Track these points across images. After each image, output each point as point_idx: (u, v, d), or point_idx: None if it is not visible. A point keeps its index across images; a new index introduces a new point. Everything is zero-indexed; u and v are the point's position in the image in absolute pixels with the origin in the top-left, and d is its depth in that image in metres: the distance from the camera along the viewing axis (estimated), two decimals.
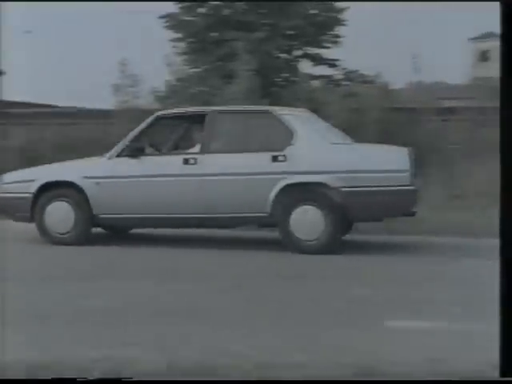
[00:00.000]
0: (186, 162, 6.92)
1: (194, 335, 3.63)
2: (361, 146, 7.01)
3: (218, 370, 2.92)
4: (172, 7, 16.84)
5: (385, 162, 6.57)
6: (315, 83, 15.17)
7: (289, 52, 16.75)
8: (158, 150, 7.52)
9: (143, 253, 6.83)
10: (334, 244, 6.58)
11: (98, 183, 7.16)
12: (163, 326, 3.85)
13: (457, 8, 69.90)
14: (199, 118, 7.27)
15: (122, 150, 7.18)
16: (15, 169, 8.16)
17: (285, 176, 6.62)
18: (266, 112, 7.08)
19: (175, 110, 7.87)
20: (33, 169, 7.80)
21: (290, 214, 6.60)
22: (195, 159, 6.91)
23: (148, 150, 7.34)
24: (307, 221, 6.58)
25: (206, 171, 6.84)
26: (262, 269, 5.90)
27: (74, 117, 15.42)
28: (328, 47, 16.39)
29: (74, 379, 2.73)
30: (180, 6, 16.83)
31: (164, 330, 3.74)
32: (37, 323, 3.92)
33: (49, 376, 2.81)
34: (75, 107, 16.46)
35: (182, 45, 16.84)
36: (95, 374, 2.86)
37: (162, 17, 16.85)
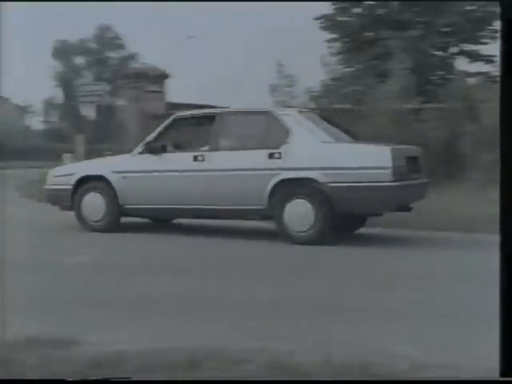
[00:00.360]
0: (195, 158, 7.54)
1: (347, 331, 3.62)
2: (349, 145, 7.31)
3: (372, 368, 2.88)
4: (327, 8, 16.90)
5: (367, 160, 6.83)
6: (471, 80, 14.66)
7: (444, 49, 16.30)
8: (176, 148, 8.07)
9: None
10: (324, 235, 6.92)
11: (124, 177, 7.94)
12: (316, 320, 3.87)
13: None
14: (210, 119, 7.81)
15: (144, 148, 7.90)
16: None
17: (279, 172, 7.07)
18: (267, 112, 7.52)
19: (191, 112, 8.47)
20: (75, 164, 8.82)
21: (284, 207, 7.04)
22: (203, 156, 7.51)
23: (168, 147, 7.93)
24: (299, 213, 6.98)
25: (211, 167, 7.44)
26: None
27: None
28: (486, 43, 15.78)
29: (75, 380, 2.75)
30: (335, 6, 16.86)
31: (317, 325, 3.75)
32: (198, 314, 4.11)
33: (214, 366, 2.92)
34: (232, 108, 16.91)
35: (337, 45, 16.87)
36: None
37: (317, 18, 16.96)
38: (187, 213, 7.81)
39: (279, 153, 7.12)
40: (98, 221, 8.07)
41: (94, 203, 8.10)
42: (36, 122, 53.70)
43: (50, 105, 51.32)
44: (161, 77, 18.28)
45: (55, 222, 8.86)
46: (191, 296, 4.59)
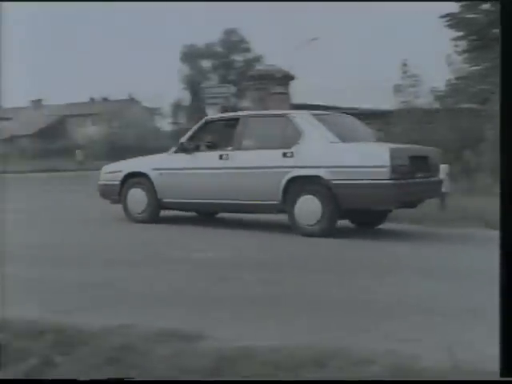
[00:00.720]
0: (220, 157, 8.27)
1: (478, 339, 3.46)
2: (354, 145, 7.65)
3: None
4: (453, 6, 16.39)
5: (368, 159, 7.29)
6: None
7: None
8: (207, 148, 8.77)
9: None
10: (331, 229, 7.45)
11: (161, 174, 8.78)
12: (442, 325, 3.75)
13: None
14: (235, 122, 8.48)
15: (178, 148, 8.69)
16: None
17: (291, 170, 7.66)
18: (282, 115, 8.16)
19: (219, 115, 9.23)
20: (121, 162, 9.62)
21: (295, 202, 7.63)
22: (227, 155, 8.23)
23: (200, 147, 8.70)
24: (308, 208, 7.53)
25: (234, 165, 8.13)
26: None
27: (356, 118, 15.69)
28: None
29: (75, 380, 2.74)
30: (461, 4, 16.32)
31: (445, 329, 3.64)
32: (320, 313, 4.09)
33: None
34: (357, 108, 16.74)
35: (463, 43, 16.33)
36: None
37: (442, 16, 16.48)
38: (214, 207, 8.62)
39: (291, 152, 7.71)
40: (141, 212, 8.96)
41: (137, 197, 8.99)
42: (165, 124, 55.59)
43: (177, 107, 52.96)
44: (286, 78, 18.39)
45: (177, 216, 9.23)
46: (315, 294, 4.56)
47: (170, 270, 5.53)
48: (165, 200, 8.78)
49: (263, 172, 7.92)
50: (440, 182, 8.39)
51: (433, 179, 8.06)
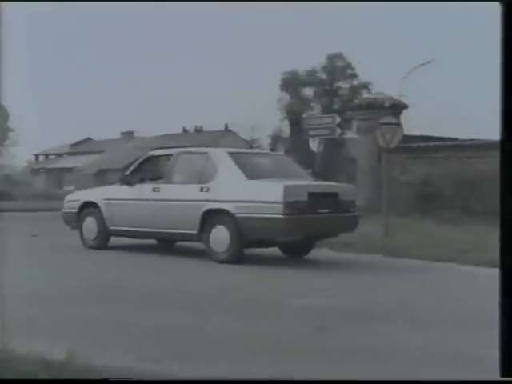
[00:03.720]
0: (153, 190, 10.22)
1: None
2: (256, 182, 9.26)
3: None
4: None
5: (266, 195, 8.90)
6: None
7: None
8: (151, 180, 10.56)
9: None
10: (239, 256, 9.16)
11: (108, 204, 10.68)
12: None
13: None
14: (169, 157, 10.44)
15: (123, 180, 10.72)
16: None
17: (206, 203, 9.41)
18: (204, 153, 10.09)
19: (160, 151, 11.29)
20: (81, 191, 12.04)
21: (210, 232, 9.35)
22: (159, 188, 10.16)
23: (140, 180, 10.55)
24: (220, 237, 9.20)
25: (163, 197, 10.00)
26: None
27: (477, 149, 15.37)
28: None
29: (75, 380, 2.92)
30: None
31: None
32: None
33: None
34: (478, 140, 16.39)
35: None
36: None
37: None
38: (150, 235, 10.41)
39: (208, 187, 9.49)
40: (94, 239, 10.85)
41: (90, 225, 10.87)
42: None
43: (277, 138, 53.52)
44: (397, 107, 18.27)
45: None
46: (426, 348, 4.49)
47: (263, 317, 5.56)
48: (111, 228, 10.67)
49: (185, 204, 9.65)
50: (354, 217, 9.62)
51: (342, 215, 9.32)
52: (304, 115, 37.51)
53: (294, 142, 47.24)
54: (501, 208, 2.83)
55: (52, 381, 2.95)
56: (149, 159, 10.91)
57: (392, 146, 12.32)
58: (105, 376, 3.35)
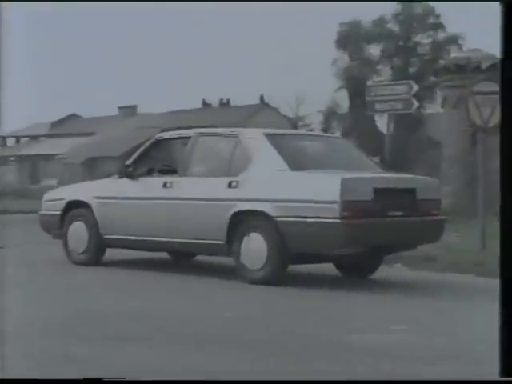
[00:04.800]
0: (164, 185, 10.22)
1: None
2: (303, 174, 9.24)
3: None
4: None
5: (317, 192, 8.81)
6: None
7: None
8: (161, 172, 10.63)
9: None
10: (280, 275, 9.14)
11: (103, 203, 10.71)
12: None
13: None
14: (186, 142, 10.43)
15: (122, 172, 10.74)
16: None
17: (236, 203, 9.35)
18: (234, 135, 9.98)
19: (173, 134, 11.36)
20: (65, 187, 12.51)
21: (241, 241, 9.28)
22: (172, 183, 10.09)
23: (154, 171, 10.68)
24: (254, 249, 9.16)
25: (176, 195, 9.98)
26: None
27: None
28: None
29: (75, 380, 3.37)
30: None
31: None
32: None
33: None
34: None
35: None
36: None
37: None
38: (158, 245, 10.37)
39: (238, 181, 9.43)
40: (83, 252, 10.83)
41: (78, 232, 10.87)
42: None
43: (330, 115, 53.43)
44: (498, 69, 18.06)
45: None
46: None
47: None
48: (107, 236, 10.68)
49: (207, 205, 9.66)
50: (437, 222, 9.55)
51: (422, 219, 9.25)
52: (368, 83, 37.42)
53: (355, 120, 47.18)
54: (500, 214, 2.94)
55: (52, 381, 3.47)
56: (157, 144, 10.89)
57: (491, 124, 12.20)
58: None
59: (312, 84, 71.47)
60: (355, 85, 47.64)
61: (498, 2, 4.98)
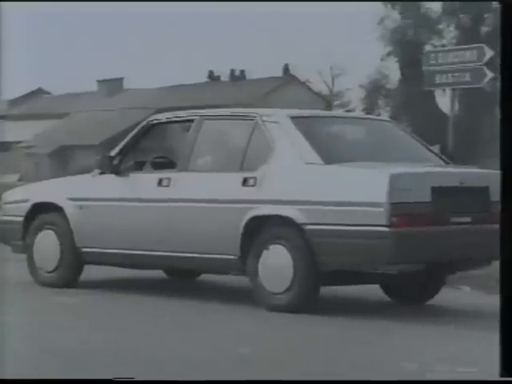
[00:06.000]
0: (159, 182, 10.21)
1: None
2: (339, 169, 9.13)
3: None
4: None
5: (357, 192, 8.78)
6: None
7: None
8: (155, 165, 10.79)
9: None
10: (309, 299, 9.14)
11: (80, 207, 10.71)
12: None
13: None
14: (189, 126, 10.45)
15: (104, 165, 10.80)
16: None
17: (253, 205, 9.32)
18: (252, 117, 9.83)
19: (170, 116, 11.25)
20: (30, 185, 13.05)
21: (259, 255, 9.26)
22: (169, 180, 10.08)
23: (136, 166, 10.92)
24: (276, 266, 9.19)
25: (175, 195, 9.97)
26: None
27: None
28: None
29: (75, 380, 3.88)
30: None
31: None
32: None
33: None
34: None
35: None
36: None
37: None
38: (150, 260, 10.39)
39: (255, 178, 9.36)
40: (53, 270, 10.86)
41: (47, 245, 10.92)
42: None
43: (377, 89, 53.58)
44: None
45: None
46: None
47: None
48: (85, 250, 10.69)
49: (215, 208, 9.68)
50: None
51: (498, 227, 8.41)
52: (426, 48, 37.39)
53: (408, 97, 47.23)
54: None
55: (52, 381, 3.96)
56: (150, 129, 10.89)
57: None
58: None
59: (352, 50, 71.36)
60: (408, 51, 47.74)
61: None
